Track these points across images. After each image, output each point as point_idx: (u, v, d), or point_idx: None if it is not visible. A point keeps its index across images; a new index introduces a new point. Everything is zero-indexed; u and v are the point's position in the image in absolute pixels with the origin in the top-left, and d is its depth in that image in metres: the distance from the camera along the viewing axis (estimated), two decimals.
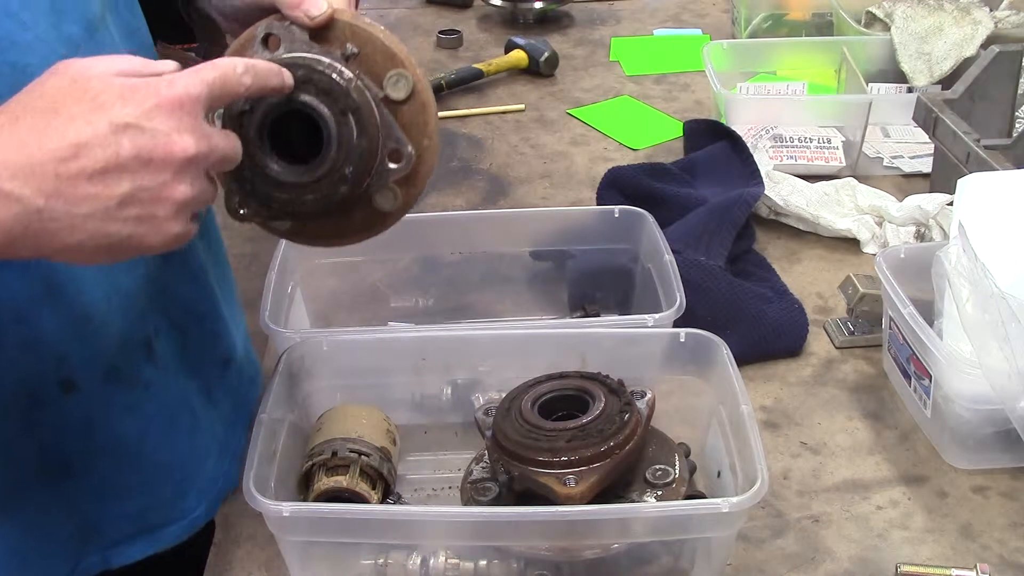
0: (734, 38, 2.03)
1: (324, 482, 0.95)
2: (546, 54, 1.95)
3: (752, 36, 1.97)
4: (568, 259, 1.27)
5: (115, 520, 0.96)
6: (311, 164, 0.81)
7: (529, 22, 2.18)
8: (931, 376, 1.06)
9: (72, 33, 0.82)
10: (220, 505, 1.05)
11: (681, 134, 1.67)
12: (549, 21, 2.19)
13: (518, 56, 1.97)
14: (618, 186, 1.43)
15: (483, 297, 1.27)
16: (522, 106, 1.85)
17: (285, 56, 0.81)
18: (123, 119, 0.67)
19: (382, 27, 0.85)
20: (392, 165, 0.83)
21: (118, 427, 0.93)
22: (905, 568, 0.94)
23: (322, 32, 0.82)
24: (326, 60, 0.80)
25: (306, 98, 0.79)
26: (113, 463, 0.94)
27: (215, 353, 1.05)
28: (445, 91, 1.88)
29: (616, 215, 1.24)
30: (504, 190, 1.59)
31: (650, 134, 1.75)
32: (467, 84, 1.91)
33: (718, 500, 0.84)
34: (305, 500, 0.96)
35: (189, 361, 1.00)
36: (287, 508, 0.85)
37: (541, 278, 1.27)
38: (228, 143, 0.73)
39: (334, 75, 0.80)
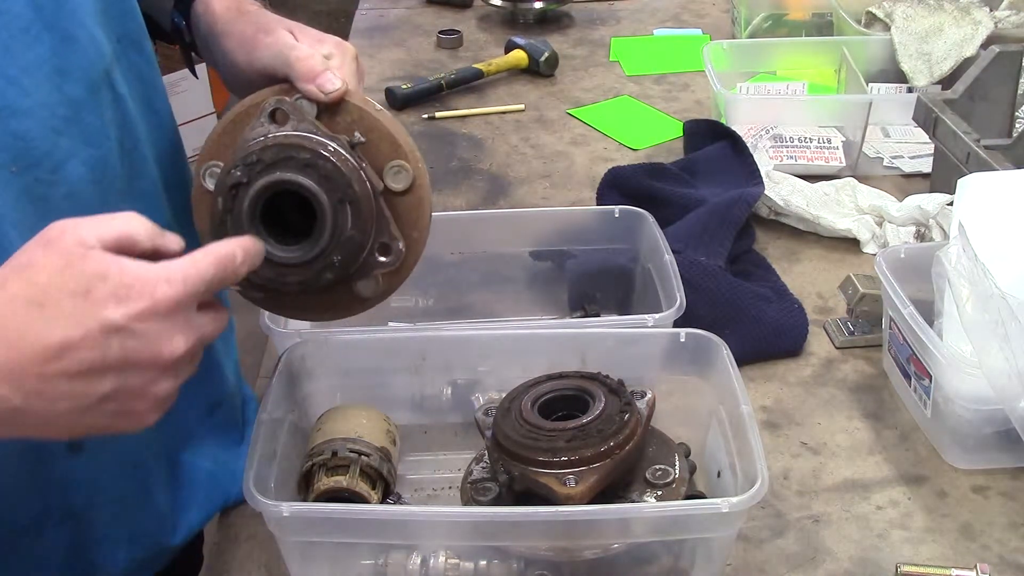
0: (734, 38, 2.03)
1: (324, 482, 0.95)
2: (546, 54, 1.95)
3: (752, 36, 1.97)
4: (568, 259, 1.27)
5: (116, 562, 0.95)
6: (300, 246, 0.78)
7: (529, 22, 2.18)
8: (931, 376, 1.06)
9: (75, 95, 0.79)
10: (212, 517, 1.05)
11: (681, 134, 1.67)
12: (549, 21, 2.19)
13: (518, 56, 1.97)
14: (618, 186, 1.43)
15: (483, 297, 1.27)
16: (522, 106, 1.85)
17: (292, 134, 0.78)
18: (115, 322, 0.63)
19: (389, 113, 0.83)
20: (381, 258, 0.82)
21: (122, 482, 0.91)
22: (905, 568, 0.94)
23: (331, 109, 0.80)
24: (332, 146, 0.77)
25: (307, 182, 0.76)
26: (116, 514, 0.92)
27: (202, 396, 1.02)
28: (445, 91, 1.88)
29: (616, 215, 1.24)
30: (504, 190, 1.59)
31: (650, 134, 1.75)
32: (467, 84, 1.91)
33: (718, 500, 0.84)
34: (305, 500, 0.96)
35: (180, 408, 0.97)
36: (287, 508, 0.85)
37: (541, 278, 1.27)
38: (217, 326, 0.70)
39: (338, 163, 0.77)
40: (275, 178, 0.77)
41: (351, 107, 0.80)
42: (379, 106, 0.83)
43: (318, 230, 0.78)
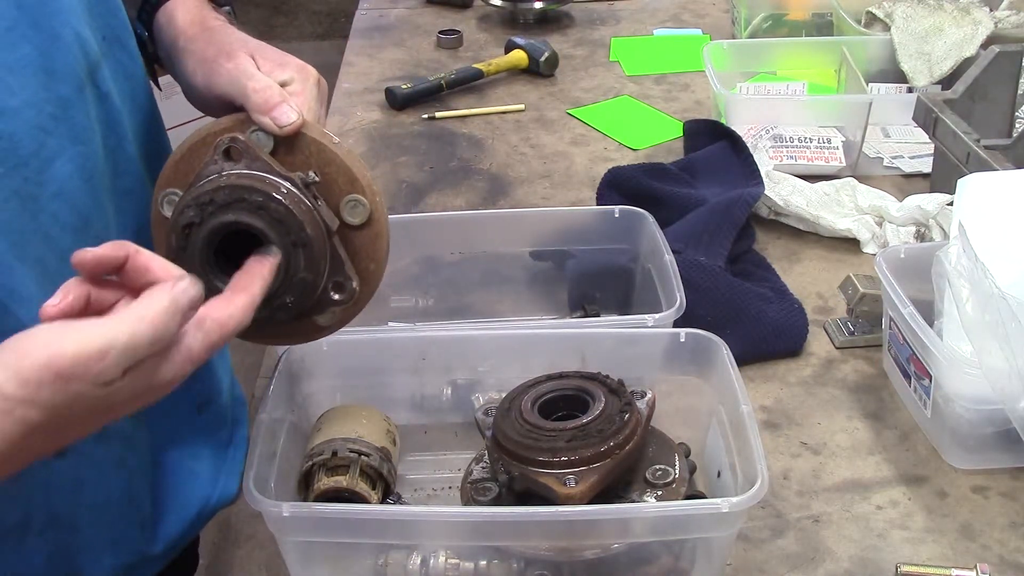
0: (734, 38, 2.03)
1: (324, 482, 0.95)
2: (546, 54, 1.95)
3: (752, 36, 1.97)
4: (568, 259, 1.27)
5: (105, 570, 0.93)
6: None
7: (529, 22, 2.18)
8: (931, 376, 1.06)
9: (62, 94, 0.78)
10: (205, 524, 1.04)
11: (681, 134, 1.67)
12: (549, 21, 2.19)
13: (518, 56, 1.97)
14: (618, 186, 1.43)
15: (483, 297, 1.27)
16: (522, 106, 1.85)
17: (245, 174, 0.76)
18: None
19: (346, 146, 0.82)
20: (335, 296, 0.81)
21: (105, 484, 0.90)
22: (905, 568, 0.94)
23: (287, 141, 0.79)
24: (285, 187, 0.76)
25: (259, 225, 0.75)
26: (99, 518, 0.90)
27: (190, 395, 1.00)
28: (445, 91, 1.88)
29: (616, 215, 1.24)
30: (504, 190, 1.59)
31: (650, 134, 1.75)
32: (467, 84, 1.91)
33: (718, 500, 0.84)
34: (305, 500, 0.96)
35: (166, 406, 0.96)
36: (287, 508, 0.85)
37: (541, 278, 1.27)
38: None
39: (291, 205, 0.76)
40: (227, 219, 0.76)
41: (308, 140, 0.79)
42: (336, 138, 0.81)
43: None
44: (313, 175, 0.78)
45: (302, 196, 0.77)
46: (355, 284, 0.81)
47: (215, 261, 0.78)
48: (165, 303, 0.66)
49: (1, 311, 0.75)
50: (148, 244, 0.89)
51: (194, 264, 0.76)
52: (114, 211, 0.85)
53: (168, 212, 0.80)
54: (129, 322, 0.64)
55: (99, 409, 0.66)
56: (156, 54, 0.94)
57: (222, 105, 0.82)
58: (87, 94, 0.81)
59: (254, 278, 0.73)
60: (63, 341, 0.63)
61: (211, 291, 0.74)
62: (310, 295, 0.79)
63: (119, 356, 0.64)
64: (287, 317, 0.79)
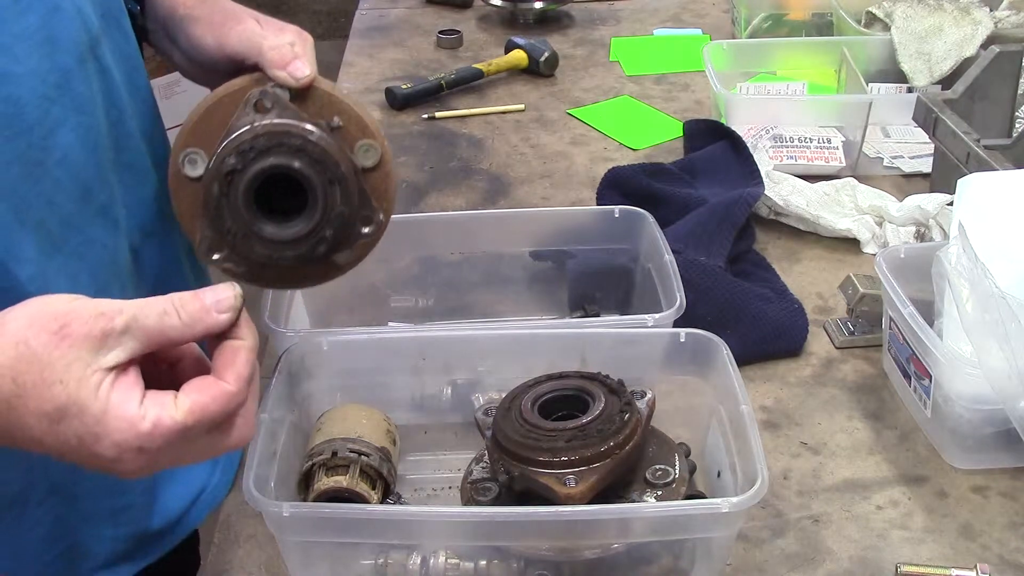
0: (734, 38, 2.03)
1: (324, 482, 0.95)
2: (546, 54, 1.95)
3: (752, 36, 1.97)
4: (568, 259, 1.27)
5: (105, 542, 0.94)
6: (296, 225, 0.83)
7: (529, 22, 2.18)
8: (931, 376, 1.06)
9: (64, 64, 0.81)
10: (209, 512, 1.04)
11: (681, 134, 1.67)
12: (549, 21, 2.19)
13: (518, 56, 1.97)
14: (618, 186, 1.43)
15: (483, 297, 1.27)
16: (522, 106, 1.85)
17: (279, 122, 0.82)
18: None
19: (354, 96, 0.88)
20: (364, 229, 0.87)
21: None
22: (905, 568, 0.94)
23: (301, 94, 0.84)
24: (317, 131, 0.82)
25: (298, 165, 0.81)
26: (98, 487, 0.92)
27: None
28: (445, 91, 1.88)
29: (616, 215, 1.24)
30: (504, 190, 1.59)
31: (650, 134, 1.75)
32: (467, 84, 1.91)
33: (718, 500, 0.84)
34: (305, 500, 0.96)
35: None
36: (287, 508, 0.85)
37: (541, 278, 1.27)
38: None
39: (325, 146, 0.82)
40: (269, 163, 0.81)
41: (320, 92, 0.85)
42: (344, 89, 0.87)
43: (310, 209, 0.82)
44: (337, 120, 0.84)
45: (330, 139, 0.83)
46: (381, 216, 0.87)
47: (256, 207, 0.82)
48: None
49: (1, 271, 0.78)
50: (152, 216, 0.95)
51: (238, 210, 0.81)
52: (118, 182, 0.88)
53: (191, 171, 0.83)
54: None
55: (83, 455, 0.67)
56: (145, 29, 0.96)
57: (230, 67, 0.86)
58: (89, 67, 0.84)
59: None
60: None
61: (252, 236, 0.82)
62: (346, 228, 0.85)
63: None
64: (324, 250, 0.84)
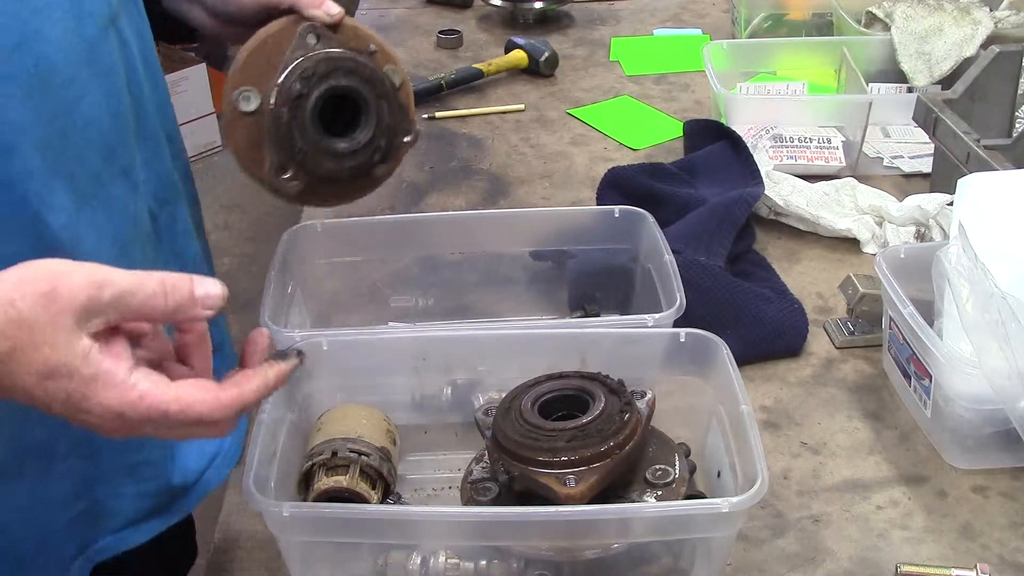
0: (734, 38, 2.03)
1: (324, 482, 0.95)
2: (546, 54, 1.95)
3: (752, 36, 1.97)
4: (568, 259, 1.27)
5: (126, 499, 0.97)
6: (358, 136, 0.98)
7: (529, 22, 2.18)
8: (931, 376, 1.06)
9: (89, 33, 0.85)
10: (227, 473, 1.07)
11: (681, 134, 1.67)
12: (549, 21, 2.19)
13: (518, 56, 1.97)
14: (618, 186, 1.43)
15: (483, 297, 1.27)
16: (522, 106, 1.85)
17: (332, 51, 0.95)
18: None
19: (371, 29, 1.01)
20: (405, 139, 1.02)
21: None
22: (905, 568, 0.94)
23: (333, 29, 0.96)
24: (362, 57, 0.96)
25: (355, 84, 0.96)
26: (119, 442, 0.92)
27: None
28: (445, 91, 1.88)
29: (616, 215, 1.24)
30: (504, 190, 1.59)
31: (650, 134, 1.75)
32: (467, 84, 1.91)
33: (718, 500, 0.84)
34: (305, 500, 0.96)
35: None
36: (287, 508, 0.85)
37: (541, 278, 1.27)
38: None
39: (372, 67, 0.97)
40: (331, 84, 0.95)
41: (348, 26, 0.98)
42: (365, 25, 1.01)
43: (366, 122, 0.98)
44: (372, 47, 0.99)
45: (372, 63, 0.98)
46: (416, 126, 1.03)
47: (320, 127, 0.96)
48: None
49: (35, 219, 0.82)
50: (167, 186, 0.99)
51: (306, 130, 0.95)
52: (138, 150, 0.92)
53: (245, 107, 0.95)
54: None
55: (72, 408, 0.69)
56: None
57: (261, 13, 0.98)
58: (111, 38, 0.88)
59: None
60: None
61: (320, 152, 0.96)
62: (393, 138, 1.01)
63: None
64: (379, 158, 1.00)
